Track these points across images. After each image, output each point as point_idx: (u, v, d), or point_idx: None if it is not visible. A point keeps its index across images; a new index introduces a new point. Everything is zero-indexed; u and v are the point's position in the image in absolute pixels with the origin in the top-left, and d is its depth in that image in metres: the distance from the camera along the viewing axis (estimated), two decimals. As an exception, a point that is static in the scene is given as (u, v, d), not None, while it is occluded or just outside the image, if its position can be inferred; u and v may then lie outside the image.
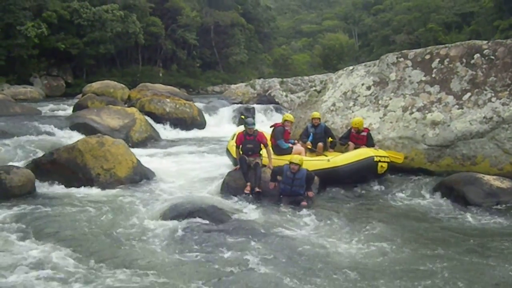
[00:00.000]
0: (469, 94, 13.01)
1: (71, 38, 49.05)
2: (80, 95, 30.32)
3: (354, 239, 8.51)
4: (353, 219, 9.68)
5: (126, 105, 24.63)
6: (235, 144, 12.91)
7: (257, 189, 11.17)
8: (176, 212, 9.47)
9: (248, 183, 11.27)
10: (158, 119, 23.56)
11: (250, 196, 11.12)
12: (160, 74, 58.56)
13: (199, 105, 27.69)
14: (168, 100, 24.77)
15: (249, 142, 11.91)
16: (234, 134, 14.15)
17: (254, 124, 12.14)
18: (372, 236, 8.61)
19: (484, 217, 9.75)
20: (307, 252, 7.89)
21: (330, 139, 13.71)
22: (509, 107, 12.21)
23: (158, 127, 22.80)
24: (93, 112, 20.38)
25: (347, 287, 6.60)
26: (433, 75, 13.79)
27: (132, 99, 27.58)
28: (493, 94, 12.65)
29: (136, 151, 14.33)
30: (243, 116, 22.81)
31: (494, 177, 11.18)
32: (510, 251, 7.72)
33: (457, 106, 12.98)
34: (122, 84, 29.04)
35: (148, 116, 22.73)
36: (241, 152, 11.89)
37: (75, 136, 17.45)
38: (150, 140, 20.18)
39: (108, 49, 51.83)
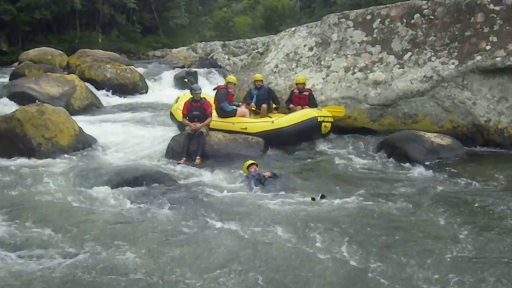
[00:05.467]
0: (409, 53, 13.20)
1: (3, 4, 47.21)
2: (16, 63, 29.39)
3: (298, 196, 8.57)
4: (298, 178, 9.72)
5: (65, 72, 23.97)
6: (179, 108, 12.81)
7: (197, 160, 11.08)
8: (121, 179, 9.31)
9: (184, 158, 11.15)
10: (99, 85, 23.04)
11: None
12: (99, 40, 57.18)
13: (141, 70, 27.25)
14: (108, 66, 24.26)
15: (195, 109, 11.83)
16: (178, 98, 14.02)
17: (200, 89, 12.07)
18: (316, 193, 8.66)
19: (426, 173, 9.96)
20: (251, 210, 7.90)
21: (274, 105, 13.69)
22: (448, 66, 12.44)
23: (99, 93, 22.27)
24: (31, 80, 19.74)
25: (285, 241, 6.65)
26: (374, 35, 13.92)
27: (71, 66, 26.90)
28: (432, 54, 12.87)
29: (78, 118, 13.97)
30: (186, 80, 22.57)
31: (435, 134, 11.45)
32: (449, 205, 7.90)
33: (398, 66, 13.17)
34: (60, 51, 28.26)
35: (89, 82, 22.19)
36: (187, 119, 11.81)
37: (13, 106, 16.95)
38: (92, 107, 19.75)
39: (43, 15, 50.23)
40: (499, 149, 11.90)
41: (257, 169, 9.59)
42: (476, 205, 7.93)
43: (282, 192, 8.74)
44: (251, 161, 9.82)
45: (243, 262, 6.00)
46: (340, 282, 5.51)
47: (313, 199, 8.23)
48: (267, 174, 9.35)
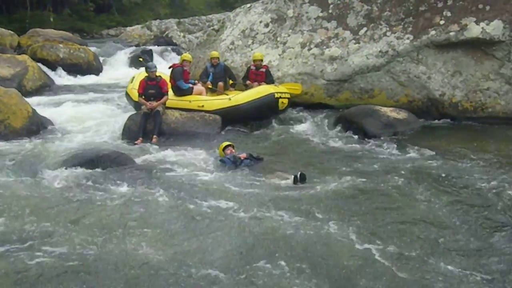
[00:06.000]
0: (365, 29, 13.25)
1: None
2: (-37, 45, 28.53)
3: (257, 172, 8.56)
4: (266, 157, 9.61)
5: (16, 53, 23.37)
6: (134, 87, 12.63)
7: (153, 139, 10.97)
8: (78, 160, 9.03)
9: (140, 138, 11.01)
10: (52, 65, 22.44)
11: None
12: (51, 19, 55.74)
13: (94, 49, 26.76)
14: (61, 45, 23.70)
15: (151, 88, 11.68)
16: (133, 77, 13.81)
17: (155, 67, 11.91)
18: (274, 167, 8.72)
19: (382, 146, 10.11)
20: (210, 188, 7.85)
21: (230, 81, 13.60)
22: (403, 40, 12.54)
23: (53, 74, 21.74)
24: (-20, 62, 19.24)
25: (286, 223, 6.46)
26: (330, 11, 13.92)
27: (22, 46, 26.21)
28: (388, 29, 12.94)
29: (31, 100, 13.67)
30: (141, 59, 22.28)
31: (391, 108, 11.59)
32: (404, 177, 8.08)
33: (354, 41, 13.21)
34: (10, 31, 27.53)
35: (41, 63, 21.59)
36: (143, 98, 11.65)
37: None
38: (45, 88, 19.28)
39: (-9, -6, 48.78)
40: (453, 122, 12.16)
41: (233, 150, 9.33)
42: (444, 177, 8.10)
43: (261, 174, 8.55)
44: (227, 143, 9.55)
45: (252, 250, 5.72)
46: (353, 264, 5.39)
47: (295, 180, 8.01)
48: (243, 155, 9.07)
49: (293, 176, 8.05)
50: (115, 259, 5.54)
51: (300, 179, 7.95)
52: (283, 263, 5.36)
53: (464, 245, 5.73)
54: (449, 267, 5.26)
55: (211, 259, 5.49)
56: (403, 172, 8.41)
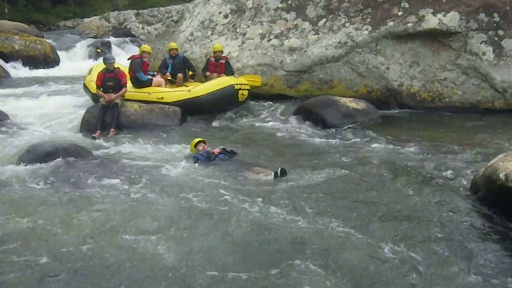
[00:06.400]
0: (324, 20, 13.31)
1: None
2: None
3: (234, 167, 8.38)
4: (217, 145, 9.55)
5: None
6: (92, 80, 12.47)
7: (111, 132, 10.83)
8: (35, 154, 8.83)
9: (98, 131, 10.86)
10: (7, 58, 22.03)
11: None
12: (6, 10, 54.45)
13: (51, 41, 26.31)
14: (16, 37, 23.26)
15: (109, 80, 11.52)
16: (91, 69, 13.66)
17: (113, 59, 11.77)
18: (249, 162, 8.65)
19: (341, 136, 10.19)
20: (171, 178, 7.83)
21: (190, 72, 13.51)
22: (362, 31, 12.65)
23: (8, 66, 21.37)
24: None
25: (276, 217, 6.34)
26: (289, 2, 13.96)
27: (-25, 38, 25.67)
28: (347, 20, 13.03)
29: (-15, 93, 13.41)
30: (99, 50, 21.99)
31: (350, 99, 11.67)
32: (377, 168, 8.16)
33: (313, 32, 13.27)
34: (-39, 23, 26.87)
35: (-5, 55, 21.32)
36: (101, 90, 11.48)
37: None
38: (0, 81, 18.95)
39: None
40: (411, 112, 12.34)
41: (205, 146, 8.95)
42: (412, 166, 8.19)
43: (240, 169, 8.30)
44: (198, 139, 9.13)
45: (252, 246, 5.57)
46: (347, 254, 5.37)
47: (276, 175, 7.84)
48: (217, 150, 8.73)
49: (273, 172, 7.92)
50: (91, 256, 5.37)
51: (281, 174, 7.85)
52: (284, 260, 5.24)
53: (454, 236, 5.75)
54: (448, 260, 5.26)
55: (213, 258, 5.31)
56: (375, 161, 8.49)
